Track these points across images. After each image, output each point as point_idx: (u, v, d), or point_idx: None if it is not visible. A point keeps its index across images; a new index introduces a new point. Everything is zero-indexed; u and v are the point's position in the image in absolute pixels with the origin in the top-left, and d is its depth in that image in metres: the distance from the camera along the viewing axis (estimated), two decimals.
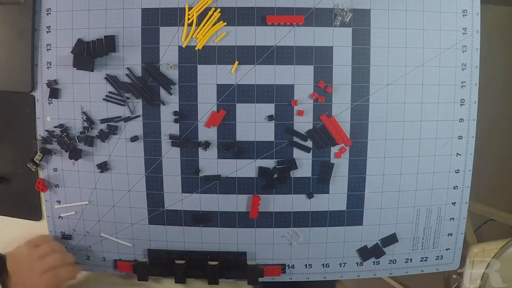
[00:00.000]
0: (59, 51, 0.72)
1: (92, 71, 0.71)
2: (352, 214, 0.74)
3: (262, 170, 0.72)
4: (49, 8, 0.71)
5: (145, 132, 0.72)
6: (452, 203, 0.75)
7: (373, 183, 0.73)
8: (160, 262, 0.74)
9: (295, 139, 0.71)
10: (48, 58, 0.72)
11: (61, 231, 0.76)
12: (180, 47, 0.70)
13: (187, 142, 0.72)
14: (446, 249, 0.76)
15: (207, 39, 0.69)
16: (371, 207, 0.73)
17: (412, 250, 0.76)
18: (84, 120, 0.72)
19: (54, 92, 0.72)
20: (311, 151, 0.71)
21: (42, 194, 0.76)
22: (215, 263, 0.73)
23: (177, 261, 0.73)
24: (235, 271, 0.74)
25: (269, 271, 0.74)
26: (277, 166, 0.72)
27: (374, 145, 0.72)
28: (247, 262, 0.74)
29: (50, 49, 0.72)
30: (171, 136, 0.72)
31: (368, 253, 0.75)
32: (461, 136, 0.73)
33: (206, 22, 0.69)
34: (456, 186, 0.74)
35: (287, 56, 0.70)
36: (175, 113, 0.71)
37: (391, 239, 0.74)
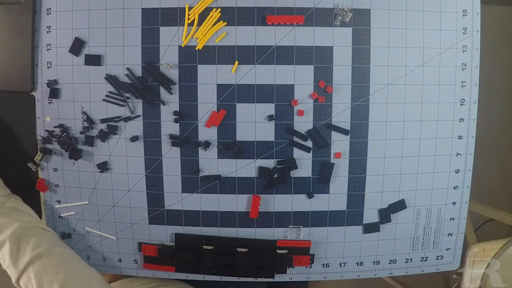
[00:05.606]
0: (59, 51, 0.72)
1: (100, 65, 0.71)
2: (352, 214, 0.74)
3: (262, 170, 0.72)
4: (49, 8, 0.71)
5: (145, 132, 0.72)
6: (452, 203, 0.75)
7: (373, 183, 0.73)
8: (187, 246, 0.74)
9: (295, 139, 0.71)
10: (48, 58, 0.72)
11: (61, 231, 0.76)
12: (180, 47, 0.70)
13: (187, 142, 0.71)
14: (446, 249, 0.76)
15: (207, 39, 0.69)
16: (371, 207, 0.73)
17: (412, 250, 0.76)
18: (84, 120, 0.72)
19: (54, 92, 0.72)
20: (311, 151, 0.71)
21: (42, 194, 0.76)
22: (245, 250, 0.73)
23: (205, 247, 0.73)
24: (264, 259, 0.73)
25: (297, 260, 0.74)
26: (277, 166, 0.72)
27: (374, 145, 0.72)
28: (277, 251, 0.74)
29: (50, 49, 0.72)
30: (171, 136, 0.72)
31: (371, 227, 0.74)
32: (461, 136, 0.73)
33: (206, 22, 0.69)
34: (456, 186, 0.74)
35: (287, 56, 0.70)
36: (175, 113, 0.71)
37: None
